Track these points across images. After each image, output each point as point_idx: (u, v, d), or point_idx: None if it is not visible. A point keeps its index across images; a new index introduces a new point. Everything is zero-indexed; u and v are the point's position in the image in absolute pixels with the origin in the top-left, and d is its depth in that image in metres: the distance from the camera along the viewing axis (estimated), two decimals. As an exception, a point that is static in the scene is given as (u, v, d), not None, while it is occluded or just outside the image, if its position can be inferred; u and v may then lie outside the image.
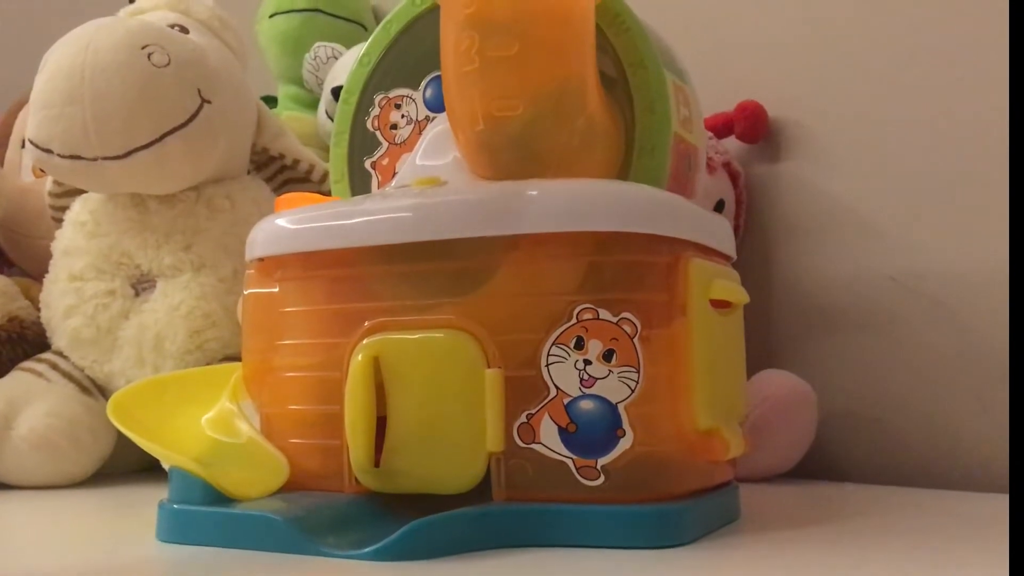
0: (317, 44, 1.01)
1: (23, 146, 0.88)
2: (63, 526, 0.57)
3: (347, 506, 0.47)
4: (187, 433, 0.51)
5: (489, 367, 0.45)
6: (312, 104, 1.04)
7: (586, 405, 0.44)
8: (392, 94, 0.58)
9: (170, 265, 0.75)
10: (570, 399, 0.44)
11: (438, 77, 0.54)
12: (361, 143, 0.58)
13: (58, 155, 0.71)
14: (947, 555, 0.44)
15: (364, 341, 0.47)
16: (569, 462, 0.44)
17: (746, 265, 0.62)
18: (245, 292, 0.53)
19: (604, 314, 0.44)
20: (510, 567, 0.41)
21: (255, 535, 0.44)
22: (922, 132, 0.72)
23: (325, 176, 0.82)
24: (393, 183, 0.54)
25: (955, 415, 0.69)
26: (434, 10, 0.53)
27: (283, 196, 0.57)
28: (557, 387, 0.44)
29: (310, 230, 0.49)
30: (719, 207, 0.77)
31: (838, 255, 0.75)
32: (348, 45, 1.00)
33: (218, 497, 0.47)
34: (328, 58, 1.00)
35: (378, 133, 0.58)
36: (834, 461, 0.73)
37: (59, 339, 0.77)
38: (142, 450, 0.50)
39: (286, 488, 0.49)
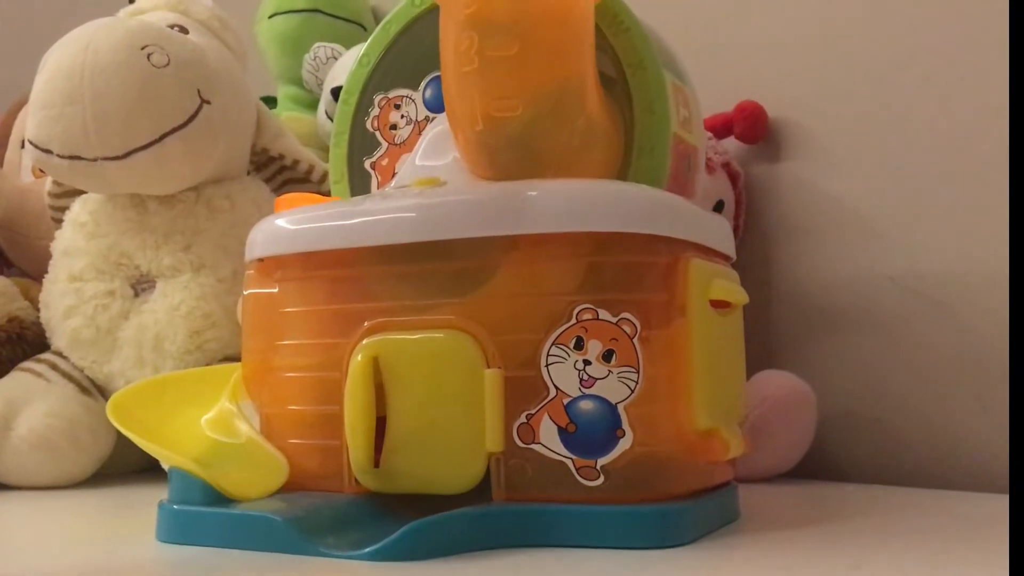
0: (317, 44, 1.01)
1: (23, 146, 0.88)
2: (63, 526, 0.57)
3: (347, 506, 0.47)
4: (187, 433, 0.51)
5: (489, 367, 0.45)
6: (312, 104, 1.04)
7: (586, 405, 0.44)
8: (392, 94, 0.58)
9: (170, 265, 0.75)
10: (570, 399, 0.44)
11: (438, 77, 0.54)
12: (361, 143, 0.59)
13: (58, 155, 0.71)
14: (947, 555, 0.44)
15: (364, 341, 0.47)
16: (569, 462, 0.44)
17: (745, 265, 0.62)
18: (245, 292, 0.53)
19: (604, 314, 0.44)
20: (510, 567, 0.41)
21: (255, 535, 0.44)
22: (922, 132, 0.72)
23: (325, 176, 0.82)
24: (393, 183, 0.54)
25: (955, 415, 0.69)
26: (433, 10, 0.53)
27: (283, 196, 0.57)
28: (557, 387, 0.44)
29: (310, 230, 0.49)
30: (718, 207, 0.77)
31: (838, 255, 0.75)
32: (348, 45, 1.00)
33: (218, 497, 0.47)
34: (328, 58, 1.00)
35: (378, 133, 0.58)
36: (834, 461, 0.73)
37: (59, 339, 0.77)
38: (142, 450, 0.50)
39: (286, 488, 0.49)
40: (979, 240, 0.68)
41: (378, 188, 0.58)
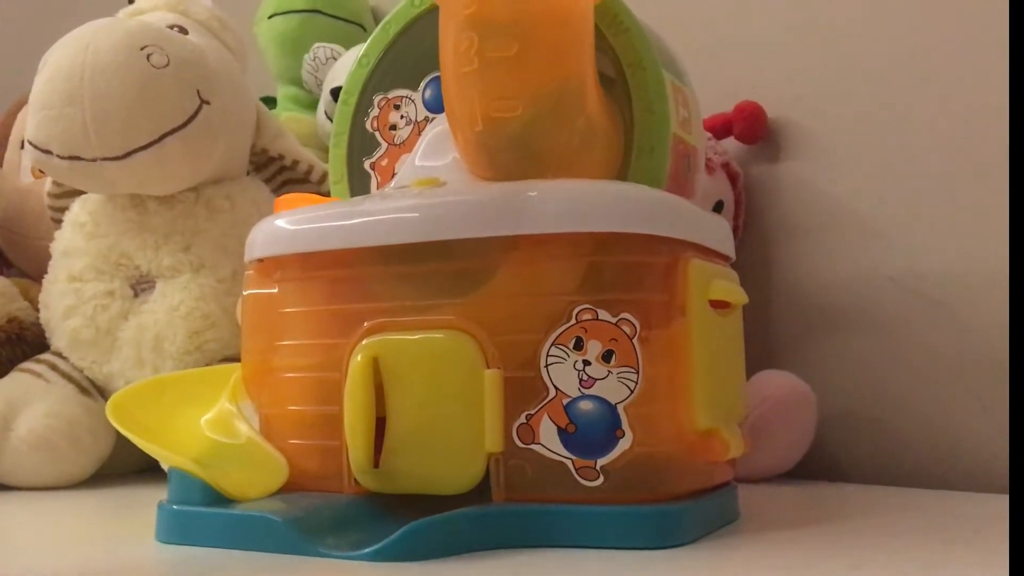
0: (316, 45, 1.01)
1: (22, 147, 0.88)
2: (62, 527, 0.57)
3: (346, 507, 0.47)
4: (186, 434, 0.51)
5: (488, 368, 0.45)
6: (311, 105, 1.04)
7: (585, 406, 0.44)
8: (391, 95, 0.58)
9: (169, 266, 0.75)
10: (569, 400, 0.44)
11: (437, 78, 0.54)
12: (360, 144, 0.59)
13: (57, 156, 0.71)
14: (947, 555, 0.44)
15: (363, 342, 0.47)
16: (568, 462, 0.44)
17: (745, 265, 0.62)
18: (244, 293, 0.53)
19: (603, 315, 0.44)
20: (509, 568, 0.41)
21: (254, 536, 0.44)
22: (921, 132, 0.72)
23: (324, 177, 0.82)
24: (392, 184, 0.54)
25: (955, 415, 0.69)
26: (433, 11, 0.53)
27: (282, 197, 0.57)
28: (556, 388, 0.44)
29: (309, 231, 0.49)
30: (718, 208, 0.77)
31: (837, 256, 0.75)
32: (347, 46, 1.00)
33: (217, 498, 0.47)
34: (327, 59, 1.00)
35: (377, 134, 0.58)
36: (834, 462, 0.73)
37: (58, 340, 0.77)
38: (141, 451, 0.50)
39: (285, 489, 0.49)
40: (979, 240, 0.68)
41: (378, 188, 0.58)
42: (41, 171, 0.87)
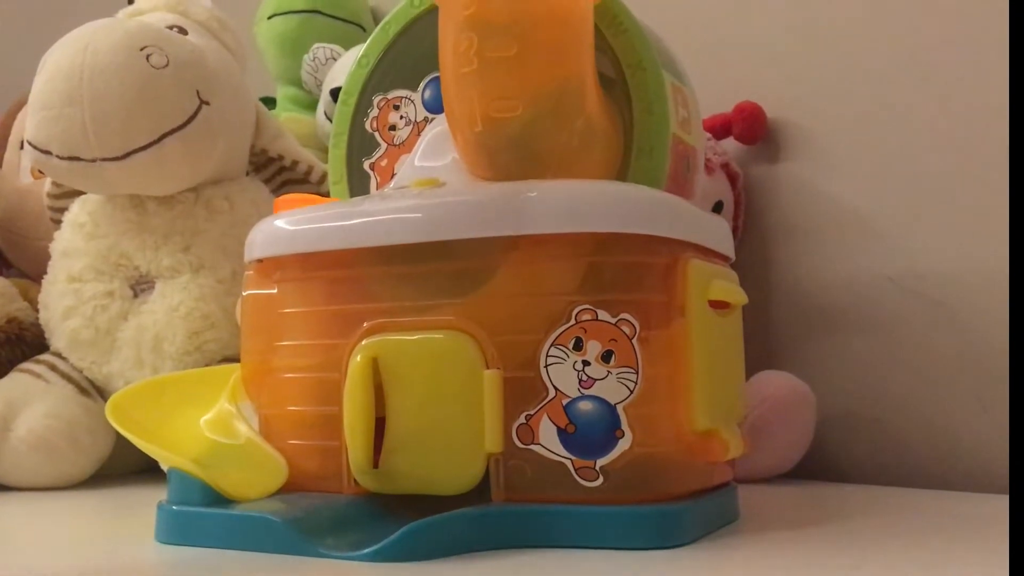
0: (316, 45, 1.01)
1: (22, 147, 0.88)
2: (62, 527, 0.57)
3: (346, 507, 0.47)
4: (186, 434, 0.51)
5: (488, 368, 0.45)
6: (311, 105, 1.04)
7: (585, 406, 0.44)
8: (391, 95, 0.58)
9: (169, 266, 0.75)
10: (569, 400, 0.44)
11: (437, 78, 0.54)
12: (360, 144, 0.58)
13: (57, 156, 0.71)
14: (947, 555, 0.44)
15: (363, 342, 0.47)
16: (568, 463, 0.44)
17: (745, 266, 0.62)
18: (244, 293, 0.53)
19: (603, 315, 0.44)
20: (509, 568, 0.41)
21: (254, 536, 0.44)
22: (921, 133, 0.72)
23: (324, 177, 0.82)
24: (392, 184, 0.54)
25: (955, 415, 0.69)
26: (433, 11, 0.53)
27: (282, 197, 0.57)
28: (556, 388, 0.44)
29: (309, 231, 0.49)
30: (717, 208, 0.77)
31: (837, 256, 0.75)
32: (347, 46, 1.00)
33: (217, 498, 0.47)
34: (327, 59, 1.00)
35: (377, 134, 0.58)
36: (833, 462, 0.73)
37: (58, 340, 0.77)
38: (141, 451, 0.50)
39: (285, 489, 0.49)
40: (979, 240, 0.68)
41: (377, 189, 0.58)
42: (40, 171, 0.88)
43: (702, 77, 0.59)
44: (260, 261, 0.52)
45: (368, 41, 0.59)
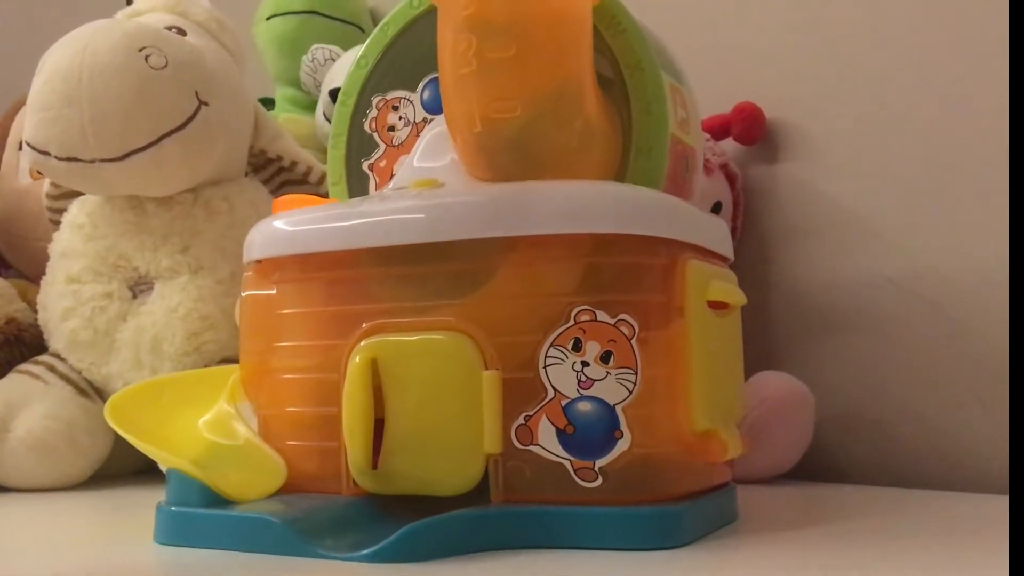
0: (315, 46, 1.01)
1: (20, 148, 0.88)
2: (60, 528, 0.57)
3: (345, 508, 0.47)
4: (185, 435, 0.51)
5: (487, 369, 0.45)
6: (310, 106, 1.04)
7: (584, 407, 0.44)
8: (390, 96, 0.58)
9: (168, 267, 0.75)
10: (568, 401, 0.44)
11: (436, 79, 0.54)
12: (359, 145, 0.58)
13: (55, 157, 0.71)
14: (947, 556, 0.44)
15: (362, 343, 0.47)
16: (567, 464, 0.44)
17: (743, 266, 0.62)
18: (243, 294, 0.53)
19: (602, 316, 0.44)
20: (508, 569, 0.41)
21: (253, 537, 0.44)
22: (920, 133, 0.72)
23: (323, 178, 0.82)
24: (391, 185, 0.54)
25: (955, 415, 0.69)
26: (431, 12, 0.53)
27: (281, 198, 0.57)
28: (555, 389, 0.44)
29: (308, 232, 0.49)
30: (716, 208, 0.77)
31: (836, 256, 0.75)
32: (345, 47, 1.00)
33: (216, 499, 0.47)
34: (326, 60, 1.00)
35: (376, 135, 0.58)
36: (833, 462, 0.73)
37: (56, 341, 0.77)
38: (140, 452, 0.50)
39: (284, 490, 0.49)
40: (978, 240, 0.68)
41: (376, 190, 0.58)
42: (39, 172, 0.87)
43: (701, 78, 0.59)
44: (259, 262, 0.52)
45: (367, 42, 0.59)
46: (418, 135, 0.56)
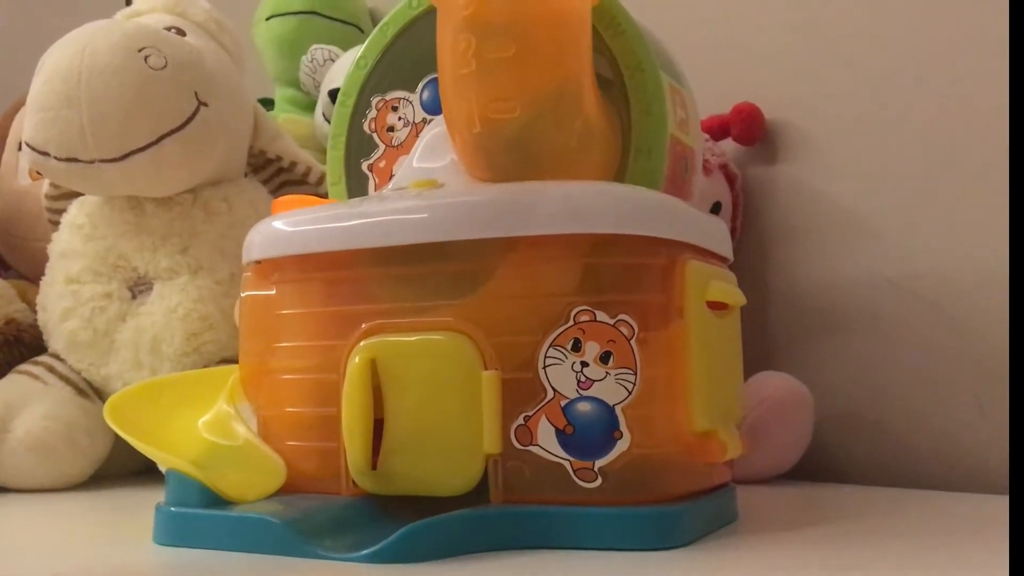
0: (314, 46, 1.01)
1: (20, 149, 0.88)
2: (59, 529, 0.57)
3: (344, 508, 0.47)
4: (184, 436, 0.51)
5: (486, 369, 0.45)
6: (309, 106, 1.04)
7: (583, 407, 0.44)
8: (389, 96, 0.58)
9: (167, 268, 0.75)
10: (567, 401, 0.44)
11: (435, 79, 0.54)
12: (358, 145, 0.58)
13: (55, 158, 0.71)
14: (947, 556, 0.44)
15: (361, 343, 0.47)
16: (566, 464, 0.44)
17: (743, 267, 0.62)
18: (242, 294, 0.53)
19: (601, 316, 0.44)
20: (507, 569, 0.41)
21: (252, 538, 0.44)
22: (919, 133, 0.72)
23: (322, 178, 0.82)
24: (390, 185, 0.54)
25: (955, 415, 0.69)
26: (431, 12, 0.53)
27: (280, 198, 0.57)
28: (554, 389, 0.44)
29: (307, 232, 0.49)
30: (716, 209, 0.77)
31: (835, 257, 0.75)
32: (345, 47, 1.00)
33: (215, 500, 0.47)
34: (325, 60, 1.00)
35: (375, 135, 0.58)
36: (832, 462, 0.73)
37: (56, 342, 0.77)
38: (139, 453, 0.50)
39: (283, 491, 0.49)
40: (978, 240, 0.68)
41: (375, 190, 0.58)
42: (39, 173, 0.87)
43: (700, 78, 0.59)
44: (258, 262, 0.52)
45: (366, 42, 0.59)
46: (417, 135, 0.56)
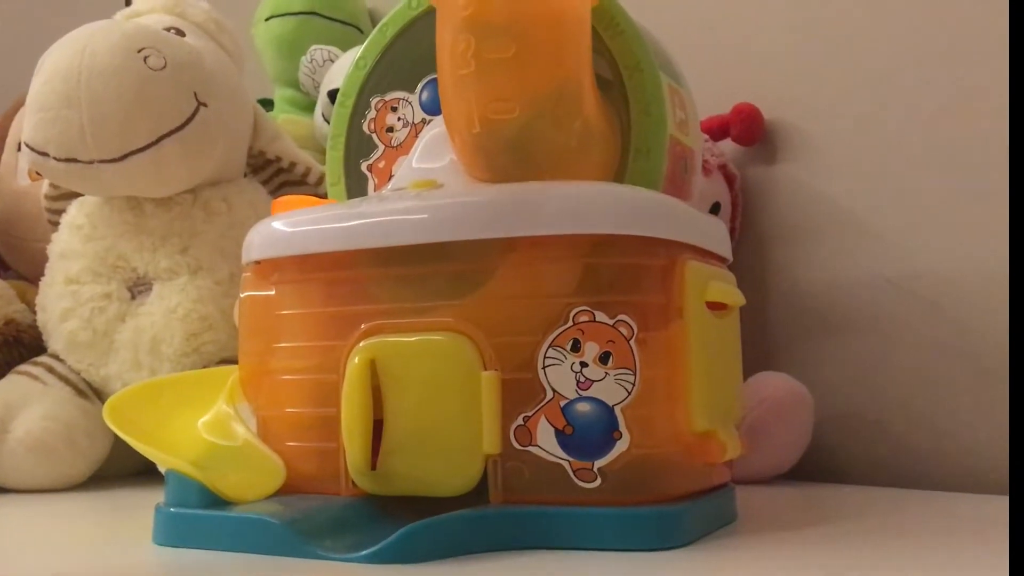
0: (313, 47, 1.01)
1: (19, 149, 0.88)
2: (59, 529, 0.57)
3: (343, 509, 0.47)
4: (183, 436, 0.51)
5: (486, 369, 0.45)
6: (308, 107, 1.04)
7: (583, 407, 0.44)
8: (388, 97, 0.58)
9: (166, 268, 0.75)
10: (567, 401, 0.44)
11: (434, 80, 0.54)
12: (357, 146, 0.58)
13: (54, 158, 0.71)
14: (947, 556, 0.44)
15: (361, 344, 0.47)
16: (566, 464, 0.44)
17: (742, 267, 0.62)
18: (242, 295, 0.53)
19: (600, 316, 0.44)
20: (507, 570, 0.41)
21: (251, 538, 0.44)
22: (919, 133, 0.72)
23: (321, 179, 0.82)
24: (389, 186, 0.54)
25: (954, 415, 0.69)
26: (430, 13, 0.53)
27: (280, 199, 0.57)
28: (554, 389, 0.44)
29: (307, 233, 0.49)
30: (715, 209, 0.77)
31: (835, 257, 0.75)
32: (344, 48, 1.00)
33: (214, 500, 0.47)
34: (324, 61, 1.00)
35: (374, 136, 0.58)
36: (832, 463, 0.73)
37: (55, 342, 0.77)
38: (138, 453, 0.50)
39: (283, 491, 0.49)
40: (977, 240, 0.68)
41: (375, 191, 0.58)
42: (38, 173, 0.87)
43: (699, 79, 0.59)
44: (258, 263, 0.52)
45: (366, 43, 0.59)
46: (417, 136, 0.56)
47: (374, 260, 0.48)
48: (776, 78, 0.79)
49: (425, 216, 0.47)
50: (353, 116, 0.58)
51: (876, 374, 0.73)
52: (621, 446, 0.44)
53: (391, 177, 0.56)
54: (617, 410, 0.44)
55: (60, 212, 0.81)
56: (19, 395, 0.73)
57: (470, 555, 0.43)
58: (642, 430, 0.44)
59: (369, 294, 0.48)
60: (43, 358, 0.78)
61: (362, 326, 0.47)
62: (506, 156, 0.49)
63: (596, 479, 0.44)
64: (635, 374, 0.44)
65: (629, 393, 0.44)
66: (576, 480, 0.44)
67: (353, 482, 0.47)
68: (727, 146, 0.80)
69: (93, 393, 0.76)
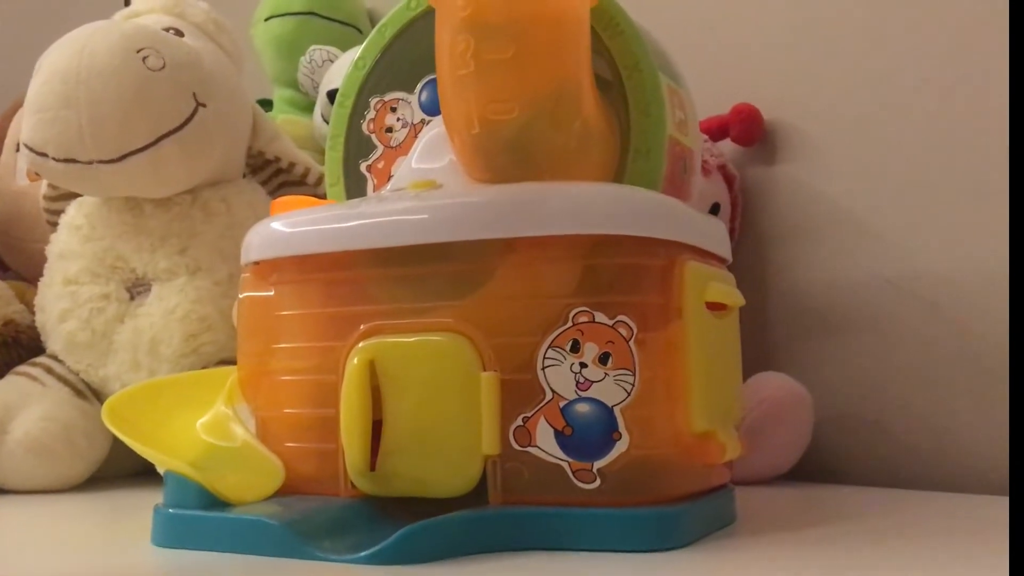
0: (312, 47, 1.01)
1: (18, 150, 0.88)
2: (58, 530, 0.57)
3: (342, 510, 0.47)
4: (182, 437, 0.51)
5: (485, 370, 0.45)
6: (307, 107, 1.04)
7: (582, 408, 0.44)
8: (387, 97, 0.58)
9: (165, 269, 0.75)
10: (566, 402, 0.44)
11: (433, 80, 0.54)
12: (356, 146, 0.58)
13: (53, 159, 0.71)
14: (947, 557, 0.44)
15: (360, 344, 0.47)
16: (565, 465, 0.44)
17: (742, 268, 0.62)
18: (240, 296, 0.53)
19: (600, 317, 0.44)
20: (506, 571, 0.41)
21: (250, 539, 0.44)
22: (918, 134, 0.72)
23: (320, 179, 0.81)
24: (389, 186, 0.54)
25: (954, 416, 0.69)
26: (429, 13, 0.53)
27: (279, 199, 0.57)
28: (553, 390, 0.44)
29: (306, 233, 0.49)
30: (714, 210, 0.77)
31: (834, 257, 0.75)
32: (343, 48, 1.00)
33: (213, 501, 0.47)
34: (323, 61, 1.00)
35: (373, 136, 0.58)
36: (831, 463, 0.73)
37: (54, 343, 0.77)
38: (137, 454, 0.50)
39: (281, 492, 0.49)
40: (977, 241, 0.68)
41: (374, 191, 0.58)
42: (37, 174, 0.87)
43: (699, 79, 0.59)
44: (257, 263, 0.52)
45: (365, 43, 0.58)
46: (416, 136, 0.56)
47: (373, 261, 0.48)
48: (776, 78, 0.79)
49: (425, 216, 0.46)
50: (352, 116, 0.58)
51: (876, 374, 0.73)
52: (620, 447, 0.44)
53: (390, 177, 0.56)
54: (616, 411, 0.44)
55: (59, 213, 0.81)
56: (18, 396, 0.73)
57: (469, 556, 0.43)
58: (641, 431, 0.44)
59: (368, 295, 0.48)
60: (42, 359, 0.78)
61: (361, 327, 0.47)
62: (505, 157, 0.49)
63: (595, 480, 0.44)
64: (634, 375, 0.44)
65: (628, 394, 0.44)
66: (575, 481, 0.44)
67: (352, 483, 0.47)
68: (727, 146, 0.80)
69: (92, 394, 0.76)
